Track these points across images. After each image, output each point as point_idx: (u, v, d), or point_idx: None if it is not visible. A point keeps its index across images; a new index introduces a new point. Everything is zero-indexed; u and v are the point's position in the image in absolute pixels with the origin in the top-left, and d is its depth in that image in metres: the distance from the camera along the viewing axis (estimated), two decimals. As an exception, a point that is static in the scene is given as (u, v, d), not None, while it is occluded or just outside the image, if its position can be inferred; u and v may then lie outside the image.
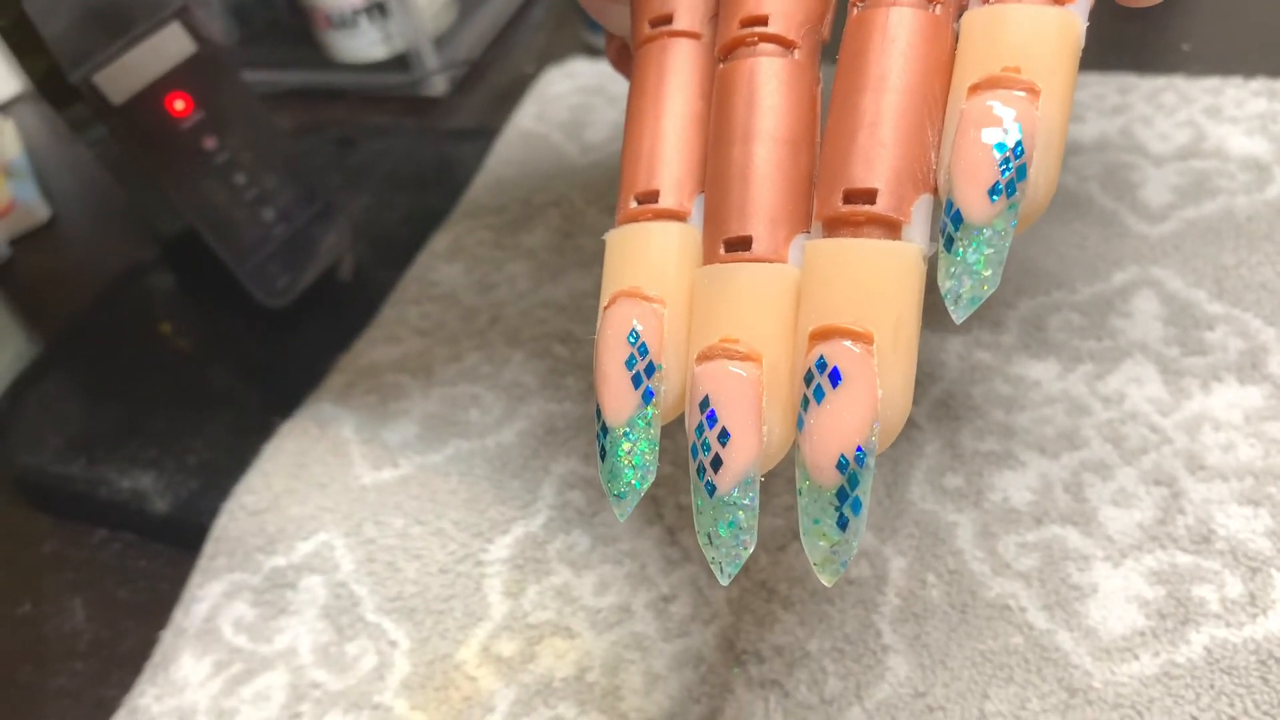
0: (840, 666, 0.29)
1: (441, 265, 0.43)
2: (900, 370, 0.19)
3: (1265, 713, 0.26)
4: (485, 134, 0.50)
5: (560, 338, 0.39)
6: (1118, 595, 0.29)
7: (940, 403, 0.34)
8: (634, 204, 0.22)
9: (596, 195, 0.44)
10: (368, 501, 0.35)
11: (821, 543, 0.20)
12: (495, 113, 0.52)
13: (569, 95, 0.51)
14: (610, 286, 0.22)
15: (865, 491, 0.19)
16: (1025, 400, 0.34)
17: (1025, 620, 0.29)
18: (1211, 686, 0.27)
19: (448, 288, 0.42)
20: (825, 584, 0.20)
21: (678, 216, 0.22)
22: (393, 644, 0.31)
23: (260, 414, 0.39)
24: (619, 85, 0.51)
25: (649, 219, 0.22)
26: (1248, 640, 0.27)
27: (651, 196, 0.22)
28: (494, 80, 0.56)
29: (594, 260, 0.41)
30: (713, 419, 0.20)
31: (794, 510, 0.33)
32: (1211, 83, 0.44)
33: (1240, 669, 0.27)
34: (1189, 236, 0.38)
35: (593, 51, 0.55)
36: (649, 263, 0.21)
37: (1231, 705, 0.26)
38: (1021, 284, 0.38)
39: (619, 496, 0.21)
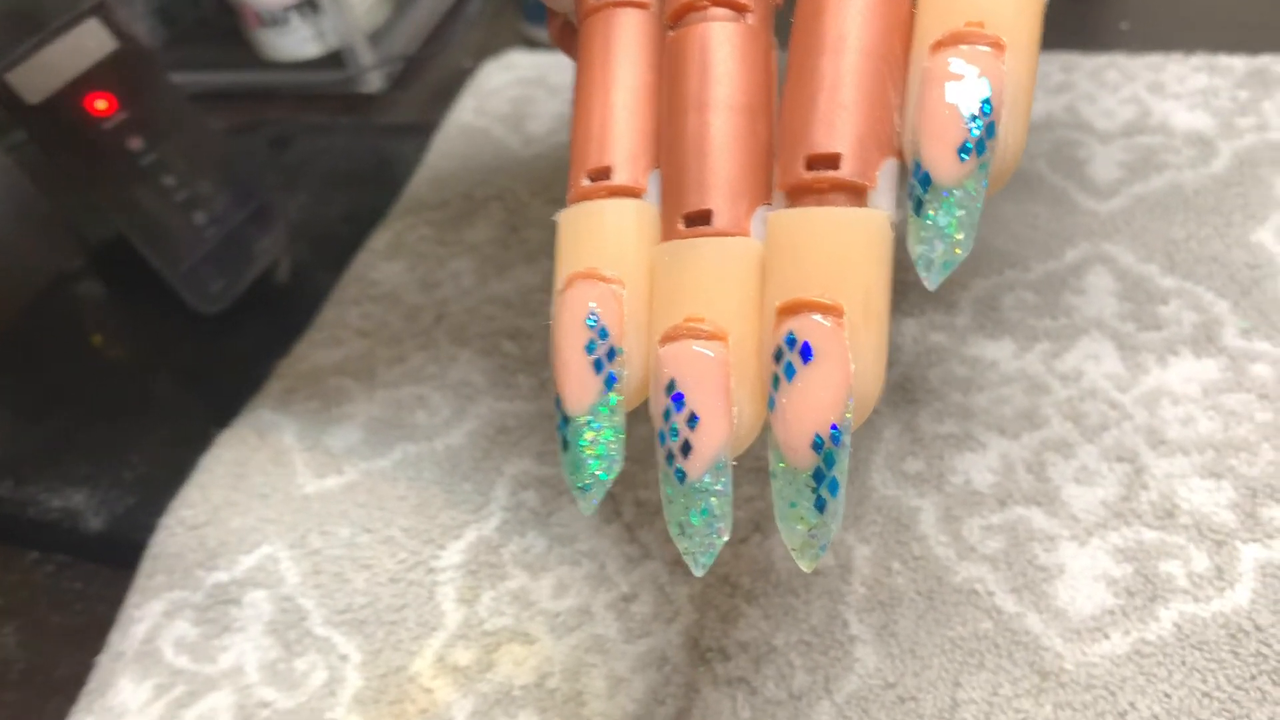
0: (808, 660, 0.28)
1: (382, 264, 0.42)
2: (872, 343, 0.19)
3: (1237, 687, 0.26)
4: (423, 129, 0.49)
5: (509, 334, 0.38)
6: (1085, 575, 0.28)
7: (897, 386, 0.34)
8: (586, 182, 0.21)
9: (541, 187, 0.43)
10: (312, 511, 0.34)
11: (799, 527, 0.19)
12: (433, 108, 0.51)
13: (508, 87, 0.50)
14: (565, 269, 0.21)
15: (842, 471, 0.19)
16: (983, 381, 0.33)
17: (993, 604, 0.28)
18: (1183, 663, 0.26)
19: (389, 287, 0.41)
20: (804, 570, 0.19)
21: (633, 193, 0.21)
22: (343, 658, 0.30)
23: (197, 424, 0.37)
24: (560, 75, 0.50)
25: (603, 196, 0.21)
26: (1216, 615, 0.27)
27: (604, 173, 0.21)
28: (431, 76, 0.55)
29: (541, 253, 0.40)
30: (680, 402, 0.19)
31: (755, 500, 0.32)
32: (1153, 59, 0.44)
33: (1211, 644, 0.26)
34: (1138, 212, 0.37)
35: (531, 44, 0.54)
36: (605, 242, 0.20)
37: (1204, 681, 0.26)
38: (974, 264, 0.37)
39: (584, 489, 0.20)
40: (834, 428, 0.18)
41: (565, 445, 0.20)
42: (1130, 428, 0.31)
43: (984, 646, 0.28)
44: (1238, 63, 0.42)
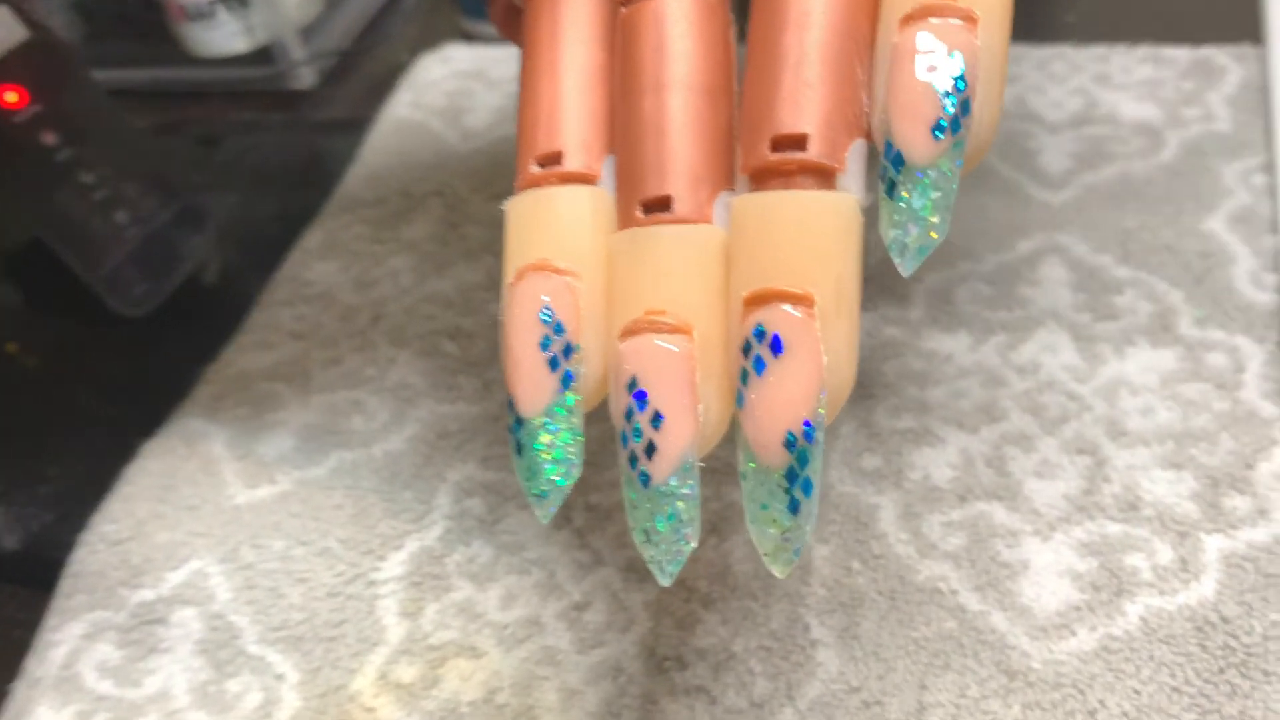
0: (769, 666, 0.27)
1: (315, 263, 0.40)
2: (845, 333, 0.18)
3: (1206, 680, 0.25)
4: (358, 125, 0.47)
5: (449, 334, 0.36)
6: (1049, 570, 0.28)
7: (854, 382, 0.33)
8: (535, 168, 0.20)
9: (481, 183, 0.42)
10: (244, 523, 0.32)
11: (771, 530, 0.18)
12: (368, 104, 0.49)
13: (446, 81, 0.48)
14: (515, 260, 0.19)
15: (816, 470, 0.17)
16: (939, 374, 0.33)
17: (957, 603, 0.27)
18: (1151, 658, 0.26)
19: (323, 287, 0.39)
20: (777, 576, 0.18)
21: (586, 179, 0.20)
22: (279, 678, 0.28)
23: (120, 434, 0.35)
24: (500, 69, 0.48)
25: (554, 183, 0.19)
26: (1182, 607, 0.26)
27: (555, 158, 0.20)
28: (365, 71, 0.53)
29: (483, 250, 0.39)
30: (643, 400, 0.18)
31: (710, 502, 0.31)
32: (1099, 51, 0.44)
33: (1178, 637, 0.26)
34: (1090, 202, 0.37)
35: (469, 38, 0.52)
36: (558, 231, 0.19)
37: (1173, 676, 0.25)
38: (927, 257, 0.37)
39: (540, 496, 0.19)
40: (807, 424, 0.17)
41: (519, 449, 0.19)
42: (1090, 419, 0.31)
43: (949, 647, 0.27)
44: (1181, 54, 0.42)
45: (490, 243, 0.39)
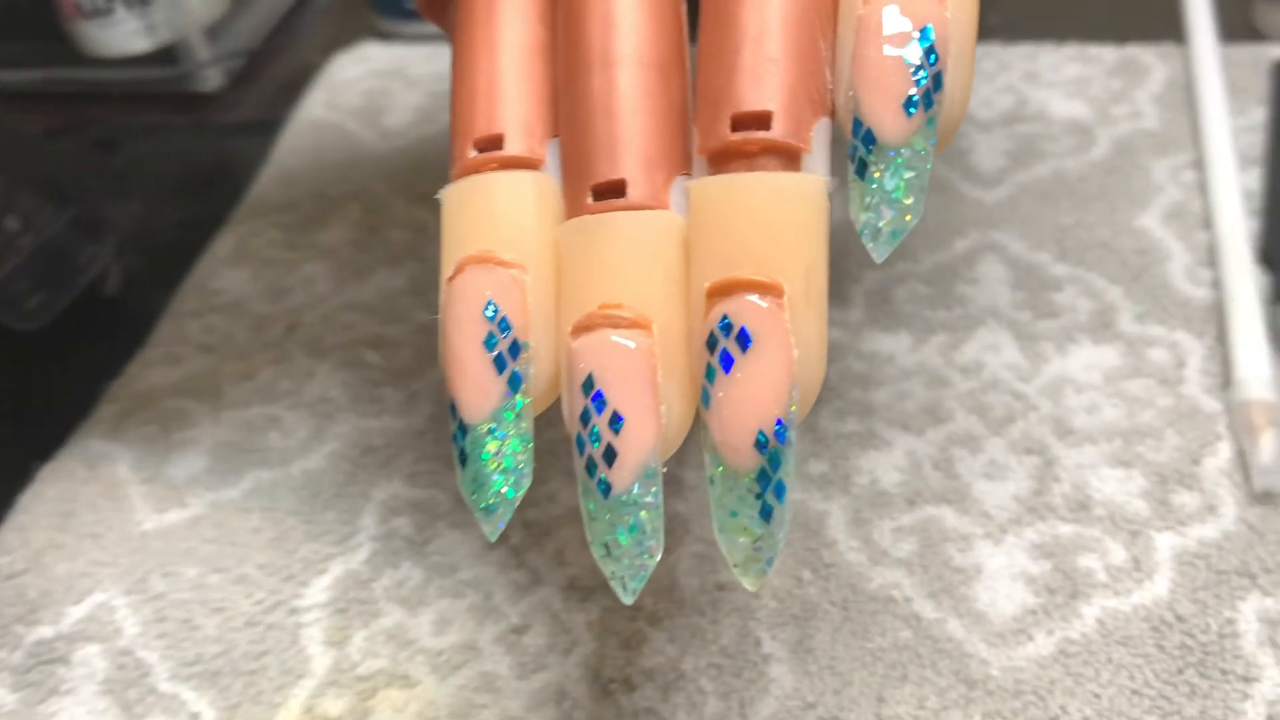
0: (720, 684, 0.26)
1: (225, 271, 0.38)
2: (815, 325, 0.16)
3: (1166, 682, 0.25)
4: (269, 127, 0.45)
5: (371, 343, 0.34)
6: (1003, 574, 0.27)
7: (796, 386, 0.32)
8: (473, 153, 0.18)
9: (402, 184, 0.40)
10: (153, 550, 0.30)
11: (741, 539, 0.16)
12: (279, 105, 0.47)
13: (362, 80, 0.46)
14: (454, 253, 0.18)
15: (789, 473, 0.16)
16: (881, 376, 0.32)
17: (912, 611, 0.27)
18: (1110, 660, 0.25)
19: (234, 296, 0.37)
20: (749, 589, 0.17)
21: (529, 164, 0.18)
22: (194, 716, 0.26)
23: (14, 458, 0.33)
24: (420, 67, 0.47)
25: (494, 169, 0.18)
26: (1138, 608, 0.26)
27: (494, 142, 0.18)
28: (275, 72, 0.51)
29: (405, 255, 0.37)
30: (600, 402, 0.16)
31: (651, 515, 0.29)
32: (1026, 49, 0.44)
33: (1135, 638, 0.25)
34: (1024, 200, 0.37)
35: (385, 37, 0.51)
36: (500, 221, 0.18)
37: (1132, 678, 0.25)
38: (863, 257, 0.36)
39: (488, 510, 0.17)
40: (779, 423, 0.16)
41: (464, 460, 0.17)
42: (1036, 419, 0.30)
43: (906, 657, 0.26)
44: (1107, 53, 0.42)
45: (414, 246, 0.37)
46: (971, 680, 0.25)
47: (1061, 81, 0.41)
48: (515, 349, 0.17)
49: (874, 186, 0.16)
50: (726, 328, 0.16)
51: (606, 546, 0.17)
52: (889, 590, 0.27)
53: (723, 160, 0.17)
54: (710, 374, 0.16)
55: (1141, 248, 0.34)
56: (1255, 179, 0.35)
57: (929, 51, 0.16)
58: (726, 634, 0.27)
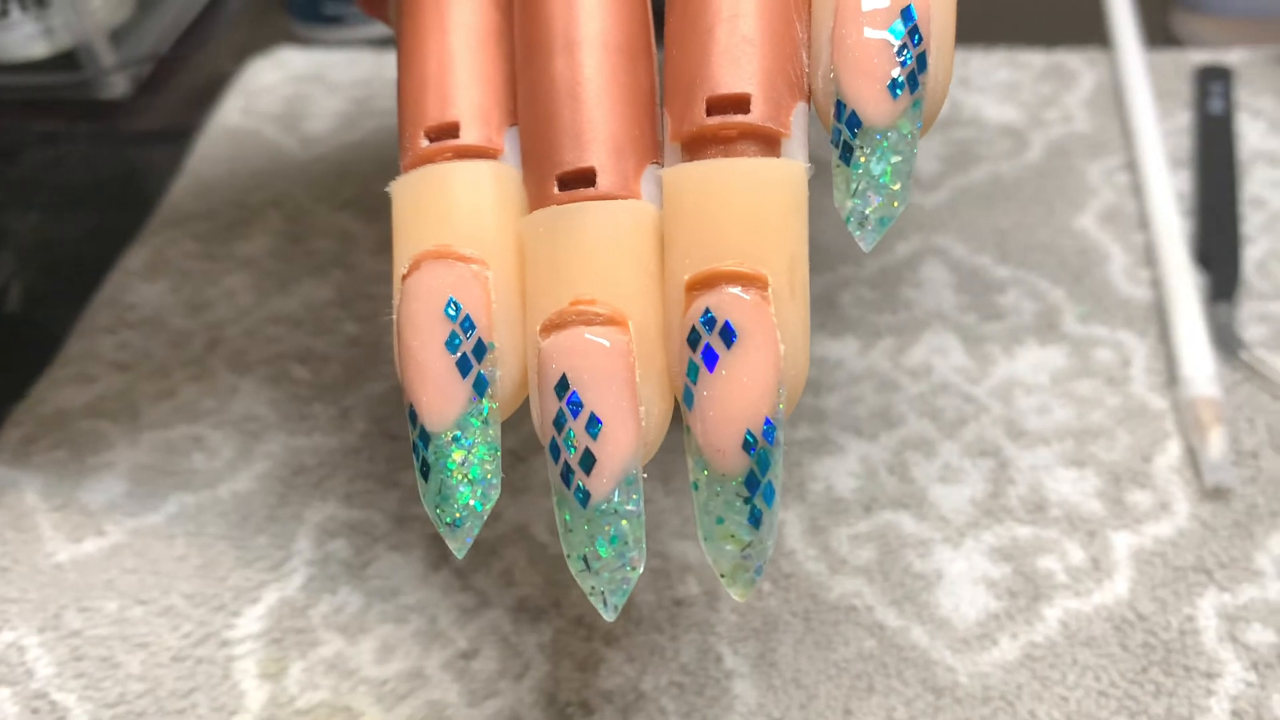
0: (682, 704, 0.25)
1: (139, 285, 0.35)
2: (800, 318, 0.16)
3: (1131, 681, 0.24)
4: (181, 135, 0.43)
5: (299, 357, 0.33)
6: (964, 579, 0.27)
7: (745, 393, 0.31)
8: (425, 142, 0.17)
9: (325, 192, 0.38)
10: (67, 583, 0.28)
11: (729, 547, 0.16)
12: (190, 112, 0.45)
13: (281, 86, 0.44)
14: (407, 249, 0.17)
15: (778, 475, 0.15)
16: (831, 381, 0.31)
17: (875, 620, 0.26)
18: (1075, 662, 0.25)
19: (150, 310, 0.35)
20: (737, 599, 0.16)
21: (487, 154, 0.17)
22: (116, 763, 0.24)
23: (-95, 489, 0.30)
24: (340, 72, 0.45)
25: (449, 159, 0.17)
26: (1099, 608, 0.26)
27: (449, 130, 0.17)
28: (185, 78, 0.49)
29: (331, 264, 0.35)
30: (576, 404, 0.15)
31: (602, 529, 0.28)
32: (957, 55, 0.44)
33: (1099, 639, 0.25)
34: (963, 204, 0.37)
35: (304, 42, 0.49)
36: (458, 213, 0.17)
37: (1098, 679, 0.24)
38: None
39: (454, 525, 0.16)
40: (767, 423, 0.15)
41: (426, 471, 0.16)
42: (988, 421, 0.30)
43: (871, 667, 0.25)
44: (1036, 58, 0.43)
45: (340, 255, 0.35)
46: (939, 688, 0.25)
47: (992, 86, 0.42)
48: (480, 350, 0.16)
49: (859, 171, 0.15)
50: (709, 322, 0.15)
51: (585, 559, 0.16)
52: (850, 599, 0.26)
53: (698, 146, 0.16)
54: (693, 372, 0.15)
55: (1081, 249, 0.35)
56: (1185, 180, 0.36)
57: (913, 32, 0.15)
58: (686, 651, 0.26)
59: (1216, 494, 0.27)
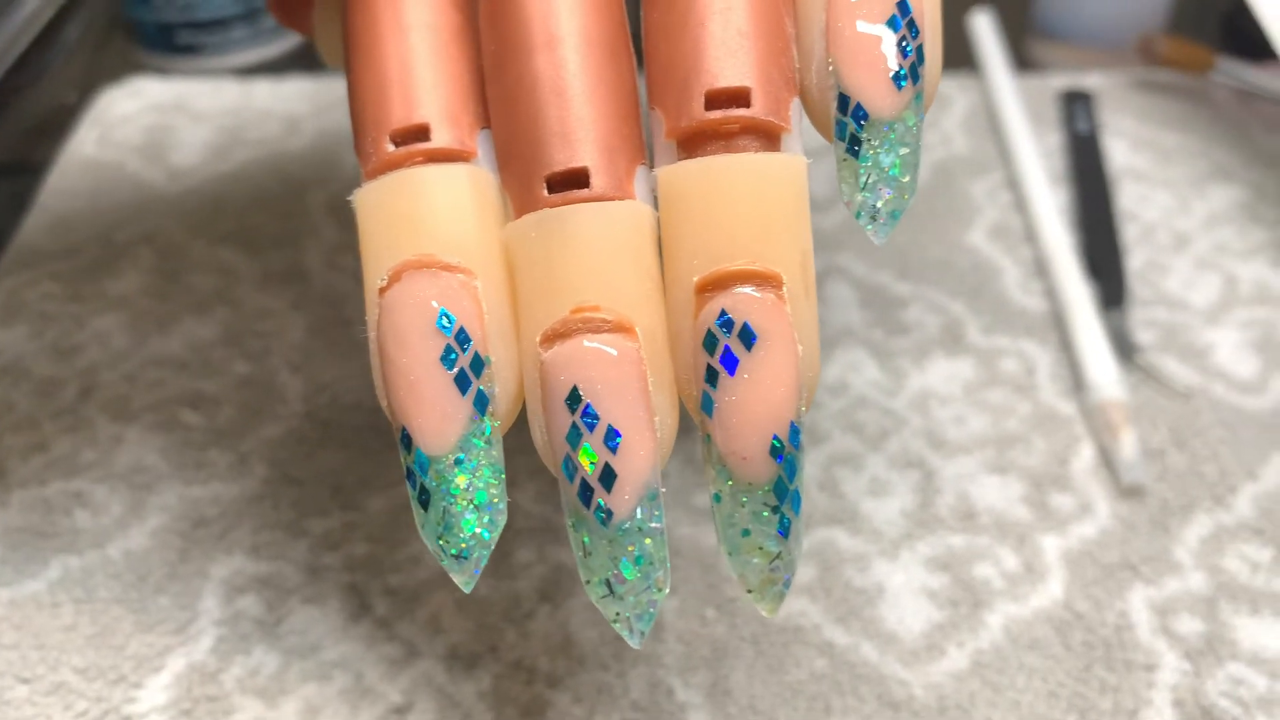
0: (637, 742, 0.24)
1: (-5, 331, 0.32)
2: (813, 317, 0.15)
3: (1077, 679, 0.25)
4: (24, 169, 0.39)
5: (188, 401, 0.30)
6: (905, 591, 0.27)
7: (667, 417, 0.31)
8: (391, 147, 0.16)
9: (201, 225, 0.36)
10: (-70, 667, 0.24)
11: (756, 560, 0.15)
12: (32, 145, 0.41)
13: (140, 116, 0.41)
14: (382, 261, 0.15)
15: (802, 482, 0.15)
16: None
17: (823, 639, 0.26)
18: (1022, 666, 0.25)
19: (9, 358, 0.31)
20: (767, 615, 0.15)
21: (460, 157, 0.16)
22: None
23: None
24: (206, 101, 0.42)
25: (420, 163, 0.16)
26: (1038, 611, 0.26)
27: (416, 133, 0.16)
28: (23, 110, 0.45)
29: (213, 301, 0.33)
30: (591, 417, 0.14)
31: (533, 567, 0.27)
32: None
33: (1042, 641, 0.25)
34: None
35: (153, 71, 0.46)
36: (436, 220, 0.15)
37: (1046, 680, 0.25)
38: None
39: (460, 557, 0.15)
40: (792, 427, 0.15)
41: (425, 500, 0.15)
42: (909, 433, 0.30)
43: (826, 687, 0.25)
44: (907, 84, 0.44)
45: (222, 291, 0.33)
46: (895, 703, 0.24)
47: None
48: (478, 365, 0.15)
49: (869, 164, 0.15)
50: (727, 324, 0.14)
51: (608, 584, 0.15)
52: (796, 619, 0.26)
53: (696, 143, 0.15)
54: (712, 378, 0.15)
55: (975, 264, 0.36)
56: (1063, 196, 0.38)
57: (910, 24, 0.15)
58: (635, 686, 0.25)
59: (1132, 492, 0.28)
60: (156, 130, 0.40)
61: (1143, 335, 0.33)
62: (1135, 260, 0.35)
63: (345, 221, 0.36)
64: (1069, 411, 0.31)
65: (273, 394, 0.30)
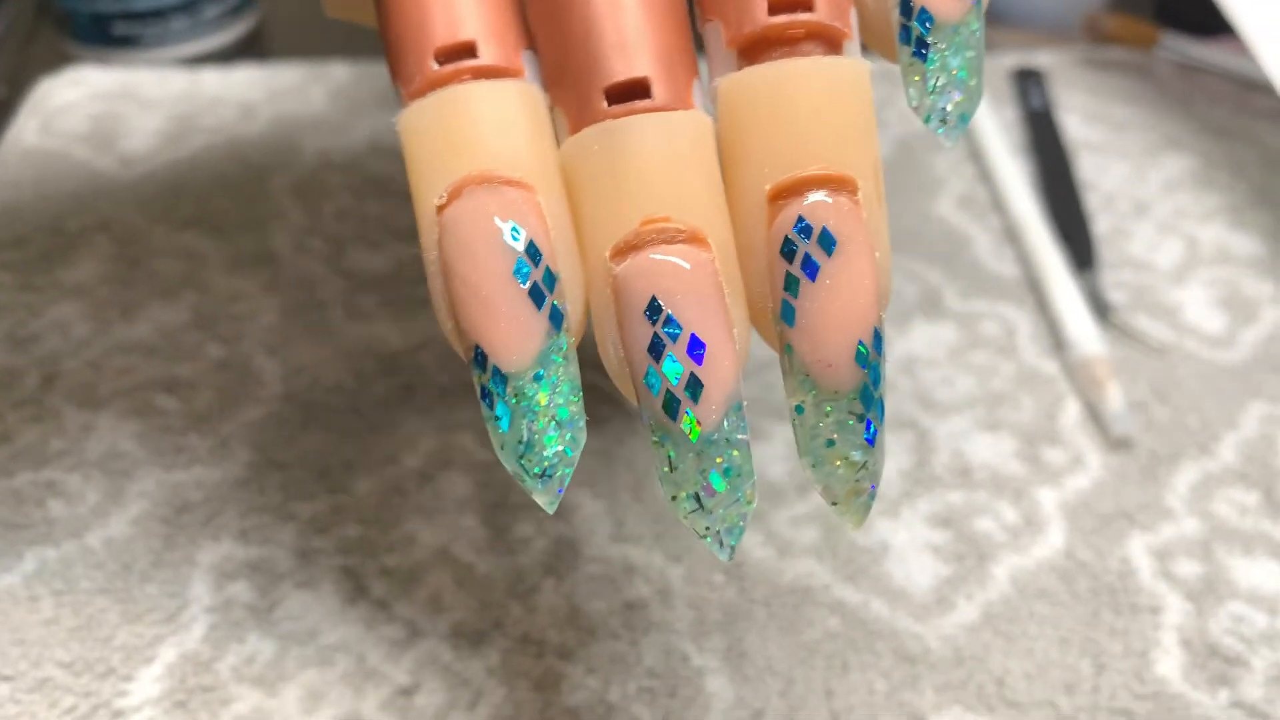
0: (656, 709, 0.23)
1: (-56, 322, 0.30)
2: (885, 224, 0.15)
3: (1087, 625, 0.25)
4: (-42, 163, 0.37)
5: (162, 386, 0.29)
6: (909, 548, 0.27)
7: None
8: (435, 65, 0.15)
9: (161, 211, 0.34)
10: (-102, 670, 0.23)
11: (842, 470, 0.15)
12: (-36, 139, 0.39)
13: (84, 104, 0.40)
14: (436, 179, 0.15)
15: (884, 390, 0.15)
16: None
17: (834, 598, 0.25)
18: (1033, 615, 0.25)
19: (-38, 349, 0.30)
20: (853, 529, 0.15)
21: (509, 74, 0.15)
22: None
23: None
24: (154, 89, 0.41)
25: (468, 80, 0.15)
26: (1041, 562, 0.26)
27: (463, 50, 0.15)
28: (-51, 105, 0.43)
29: (181, 285, 0.32)
30: (674, 327, 0.14)
31: (533, 541, 0.26)
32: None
33: (1049, 591, 0.26)
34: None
35: (88, 63, 0.44)
36: (491, 136, 0.15)
37: (1057, 627, 0.25)
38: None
39: (543, 478, 0.14)
40: (875, 332, 0.14)
41: (505, 419, 0.14)
42: (900, 395, 0.30)
43: (842, 645, 0.24)
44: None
45: (189, 275, 0.32)
46: (911, 657, 0.24)
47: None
48: (550, 279, 0.14)
49: (935, 66, 0.15)
50: (805, 230, 0.14)
51: (697, 498, 0.14)
52: (805, 580, 0.26)
53: (760, 49, 0.15)
54: (792, 285, 0.14)
55: (945, 232, 0.36)
56: (1023, 168, 0.38)
57: None
58: (650, 654, 0.24)
59: (1121, 444, 0.29)
60: (104, 118, 0.39)
61: (1114, 296, 0.33)
62: (1100, 226, 0.36)
63: (311, 205, 0.35)
64: (1051, 370, 0.31)
65: (250, 377, 0.29)
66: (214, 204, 0.34)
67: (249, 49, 0.45)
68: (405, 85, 0.15)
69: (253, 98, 0.40)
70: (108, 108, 0.39)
